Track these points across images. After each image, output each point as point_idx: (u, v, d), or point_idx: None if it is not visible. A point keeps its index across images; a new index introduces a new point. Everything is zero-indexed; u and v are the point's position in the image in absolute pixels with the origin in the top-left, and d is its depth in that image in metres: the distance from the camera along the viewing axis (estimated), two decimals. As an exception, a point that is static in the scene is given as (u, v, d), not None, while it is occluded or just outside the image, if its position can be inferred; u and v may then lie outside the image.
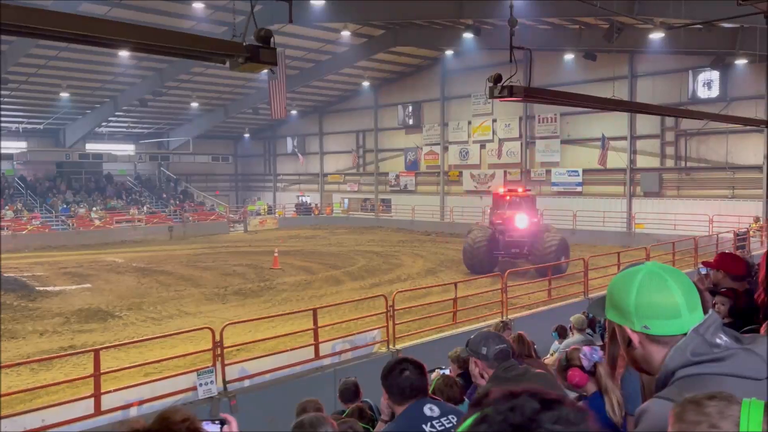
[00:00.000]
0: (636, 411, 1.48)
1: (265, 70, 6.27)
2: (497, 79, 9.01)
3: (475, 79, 33.88)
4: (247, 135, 49.41)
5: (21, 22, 5.60)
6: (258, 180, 51.53)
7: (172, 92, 36.59)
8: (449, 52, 35.42)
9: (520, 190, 25.74)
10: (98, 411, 6.86)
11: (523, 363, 3.48)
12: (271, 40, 5.46)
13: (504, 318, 11.49)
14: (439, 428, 2.61)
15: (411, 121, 40.45)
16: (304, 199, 47.42)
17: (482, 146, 37.54)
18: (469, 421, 0.93)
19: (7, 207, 35.47)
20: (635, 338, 1.46)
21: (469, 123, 37.88)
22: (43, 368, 11.55)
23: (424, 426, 2.59)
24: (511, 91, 8.92)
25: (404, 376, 2.71)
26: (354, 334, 10.07)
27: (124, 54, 28.75)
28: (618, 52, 29.14)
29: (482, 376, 3.14)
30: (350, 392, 5.28)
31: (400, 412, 2.69)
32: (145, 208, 40.67)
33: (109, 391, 7.15)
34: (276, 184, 50.26)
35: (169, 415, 1.36)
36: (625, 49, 28.80)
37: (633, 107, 22.35)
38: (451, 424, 2.65)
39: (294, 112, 43.23)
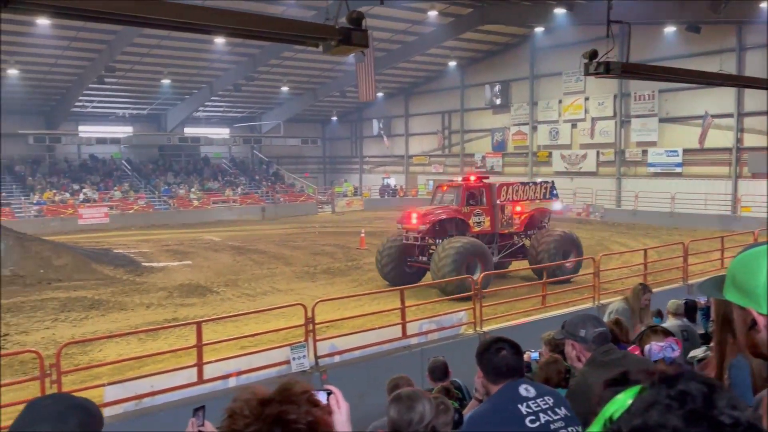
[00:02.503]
0: (754, 400, 1.42)
1: (354, 53, 6.36)
2: (593, 55, 8.67)
3: (567, 56, 32.71)
4: (334, 118, 50.22)
5: (129, 12, 5.95)
6: (345, 162, 52.35)
7: (264, 77, 37.72)
8: (539, 29, 34.33)
9: (472, 178, 18.63)
10: (200, 379, 7.29)
11: (623, 347, 3.39)
12: (363, 22, 5.52)
13: (596, 303, 11.17)
14: (535, 409, 2.60)
15: (498, 101, 39.68)
16: (389, 181, 47.75)
17: (573, 125, 36.30)
18: (622, 405, 0.84)
19: (115, 188, 37.97)
20: (762, 321, 1.38)
21: (560, 102, 36.69)
22: (149, 338, 12.36)
23: (519, 406, 2.59)
24: (607, 68, 8.57)
25: (501, 355, 2.71)
26: (440, 315, 10.12)
27: (219, 41, 29.89)
28: (725, 23, 27.23)
29: (579, 359, 3.09)
30: (440, 371, 5.34)
31: (494, 391, 2.70)
32: (239, 189, 42.33)
33: (210, 362, 7.58)
34: (362, 166, 50.88)
35: (290, 386, 1.38)
36: (733, 20, 26.86)
37: (741, 82, 20.85)
38: (547, 405, 2.63)
39: (380, 94, 43.49)
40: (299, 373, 7.85)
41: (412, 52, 36.52)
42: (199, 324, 7.72)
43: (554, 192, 18.75)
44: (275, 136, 46.23)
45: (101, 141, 40.15)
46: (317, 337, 8.33)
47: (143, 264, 21.64)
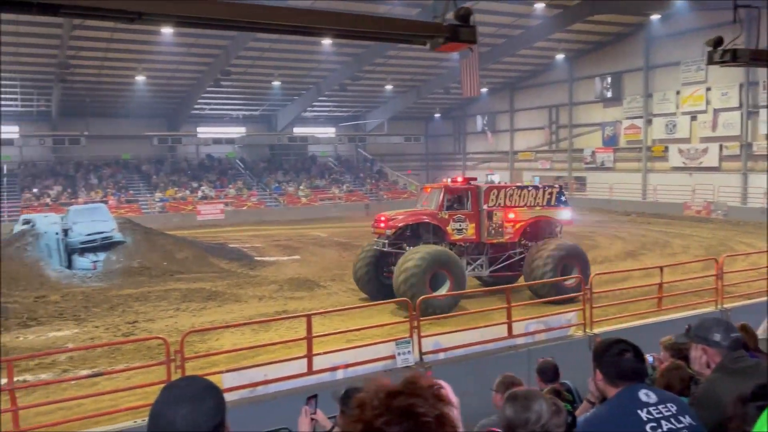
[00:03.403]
0: None
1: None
2: (717, 42, 8.09)
3: (686, 44, 30.79)
4: (437, 115, 50.16)
5: (246, 18, 6.26)
6: (448, 159, 52.15)
7: (369, 76, 38.33)
8: (655, 17, 32.46)
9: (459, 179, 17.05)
10: (310, 370, 7.55)
11: (755, 355, 3.15)
12: (471, 18, 5.48)
13: (720, 307, 10.45)
14: (657, 415, 2.47)
15: (609, 94, 37.95)
16: (493, 177, 47.03)
17: (693, 118, 34.04)
18: None
19: (230, 186, 40.07)
20: None
21: (678, 93, 34.53)
22: (262, 329, 12.95)
23: (639, 411, 2.48)
24: (734, 56, 7.96)
25: (625, 358, 2.61)
26: (548, 315, 9.86)
27: (326, 43, 30.72)
28: None
29: (708, 366, 2.90)
30: (550, 372, 5.22)
31: (612, 394, 2.60)
32: (344, 186, 43.34)
33: (319, 353, 7.83)
34: (465, 163, 50.47)
35: (416, 379, 1.38)
36: None
37: None
38: (670, 413, 2.49)
39: (484, 89, 42.89)
40: (404, 368, 7.94)
41: (518, 45, 35.73)
42: (309, 317, 7.99)
43: (562, 198, 16.11)
44: (379, 134, 46.91)
45: (217, 141, 42.50)
46: (422, 334, 8.37)
47: (256, 258, 22.69)
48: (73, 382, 9.33)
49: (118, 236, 20.51)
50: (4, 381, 8.96)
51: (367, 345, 8.70)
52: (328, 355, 7.98)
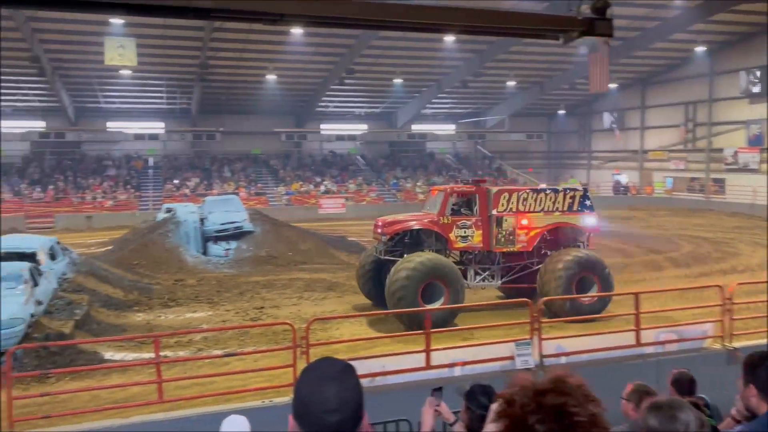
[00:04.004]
0: None
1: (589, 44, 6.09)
2: None
3: None
4: (562, 111, 48.47)
5: (374, 17, 6.39)
6: (571, 157, 50.29)
7: (491, 72, 37.82)
8: (814, 3, 29.30)
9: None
10: (428, 365, 7.62)
11: None
12: (607, 11, 5.25)
13: None
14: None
15: (756, 89, 34.78)
16: (619, 177, 44.76)
17: None
18: None
19: (350, 181, 41.19)
20: None
21: (839, 87, 31.01)
22: (379, 321, 13.23)
23: (798, 431, 2.28)
24: None
25: None
26: (681, 325, 9.26)
27: (448, 39, 30.70)
28: None
29: None
30: (687, 384, 4.90)
31: (765, 411, 2.41)
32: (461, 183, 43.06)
33: (438, 349, 7.88)
34: (590, 162, 48.42)
35: (565, 378, 1.35)
36: None
37: None
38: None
39: (613, 85, 40.88)
40: (523, 370, 7.79)
41: (653, 38, 33.68)
42: (428, 312, 8.05)
43: (586, 203, 14.29)
44: (499, 131, 46.16)
45: (340, 138, 43.82)
46: (543, 336, 8.17)
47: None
48: (207, 360, 10.04)
49: (248, 226, 21.78)
50: (151, 355, 9.82)
51: (485, 344, 8.63)
52: (445, 352, 8.01)
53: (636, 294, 9.33)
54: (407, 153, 46.70)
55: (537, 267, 13.79)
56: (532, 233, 13.90)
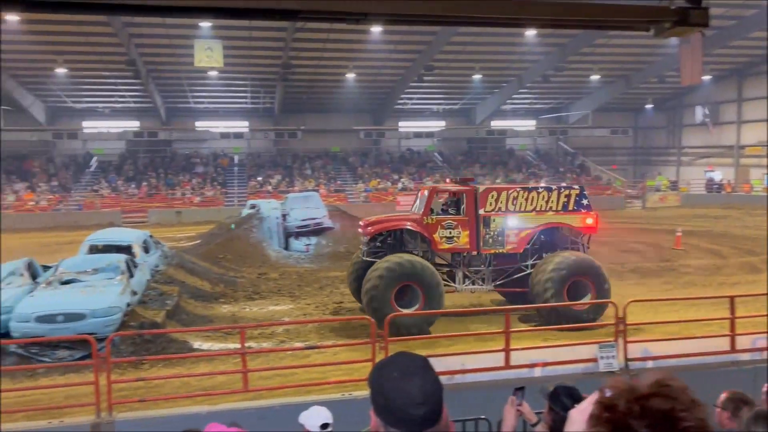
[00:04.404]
0: None
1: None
2: None
3: None
4: (649, 105, 46.42)
5: (457, 12, 6.36)
6: (659, 153, 48.09)
7: (574, 66, 36.73)
8: None
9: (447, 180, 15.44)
10: (507, 365, 7.53)
11: None
12: (703, -1, 5.01)
13: None
14: None
15: None
16: (713, 174, 42.39)
17: None
18: None
19: (428, 178, 41.13)
20: None
21: None
22: (457, 321, 13.16)
23: None
24: None
25: None
26: (781, 332, 8.67)
27: (529, 33, 30.06)
28: None
29: None
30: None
31: None
32: (542, 181, 42.14)
33: (517, 349, 7.77)
34: (680, 158, 46.14)
35: (668, 381, 1.31)
36: None
37: None
38: None
39: (706, 77, 38.74)
40: (607, 373, 7.55)
41: (751, 27, 31.65)
42: (507, 312, 7.95)
43: (583, 202, 13.36)
44: (582, 126, 44.77)
45: (417, 135, 43.86)
46: (627, 339, 7.89)
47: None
48: (289, 352, 10.34)
49: (328, 222, 22.22)
50: (235, 346, 10.21)
51: (567, 345, 8.43)
52: (525, 352, 7.89)
53: (731, 298, 8.84)
54: (486, 149, 46.13)
55: (532, 270, 13.12)
56: (522, 234, 13.13)
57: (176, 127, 41.65)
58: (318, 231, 21.96)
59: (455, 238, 12.99)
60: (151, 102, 38.00)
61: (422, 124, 44.64)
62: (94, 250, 14.59)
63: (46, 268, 13.35)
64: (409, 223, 13.15)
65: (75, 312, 10.49)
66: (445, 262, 13.66)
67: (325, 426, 3.80)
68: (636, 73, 39.36)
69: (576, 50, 34.26)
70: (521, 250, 13.18)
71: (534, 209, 13.14)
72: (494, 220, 13.05)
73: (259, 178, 39.83)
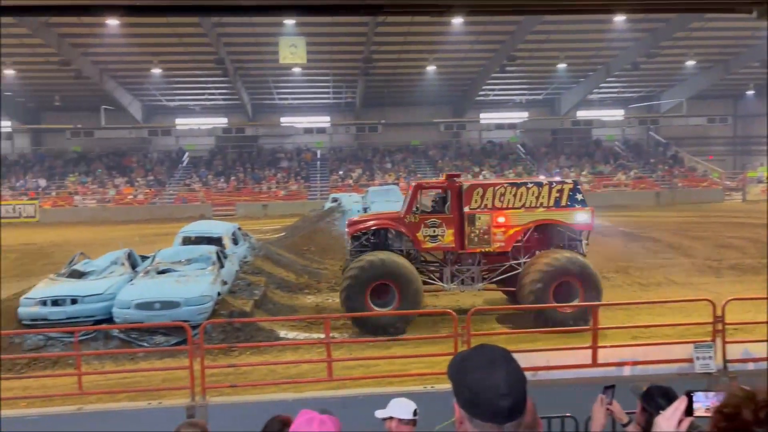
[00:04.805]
0: None
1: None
2: None
3: None
4: (750, 92, 43.52)
5: (538, 0, 6.20)
6: (762, 143, 44.97)
7: (666, 52, 34.96)
8: None
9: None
10: (594, 362, 7.30)
11: None
12: (816, -26, 4.63)
13: None
14: None
15: None
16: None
17: None
18: None
19: (510, 170, 40.43)
20: None
21: None
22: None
23: None
24: None
25: None
26: None
27: (618, 19, 28.88)
28: None
29: None
30: None
31: None
32: (632, 173, 40.47)
33: (606, 346, 7.52)
34: (786, 148, 43.01)
35: None
36: None
37: None
38: None
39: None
40: (704, 374, 7.18)
41: None
42: (595, 308, 7.72)
43: (577, 197, 12.52)
44: (675, 115, 42.55)
45: (499, 127, 43.17)
46: (726, 339, 7.46)
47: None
48: (371, 343, 10.48)
49: (408, 215, 22.25)
50: (319, 336, 10.47)
51: (659, 344, 8.07)
52: (614, 349, 7.62)
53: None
54: (571, 141, 44.78)
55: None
56: (510, 232, 12.46)
57: (262, 123, 43.00)
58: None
59: (439, 237, 12.48)
60: (239, 99, 39.40)
61: (504, 115, 43.90)
62: (187, 241, 15.32)
63: (144, 258, 14.16)
64: (390, 222, 12.79)
65: (170, 300, 11.08)
66: (435, 260, 13.30)
67: (415, 413, 3.86)
68: (735, 57, 36.99)
69: (669, 35, 32.57)
70: (509, 249, 12.58)
71: (523, 205, 12.49)
72: (479, 218, 12.44)
73: (341, 172, 40.48)
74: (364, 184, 35.51)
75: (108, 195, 37.91)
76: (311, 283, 16.05)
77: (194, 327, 8.70)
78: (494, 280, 12.72)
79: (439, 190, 12.98)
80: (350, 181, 38.64)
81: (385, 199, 22.98)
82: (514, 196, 12.43)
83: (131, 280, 12.30)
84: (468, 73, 38.50)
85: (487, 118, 43.84)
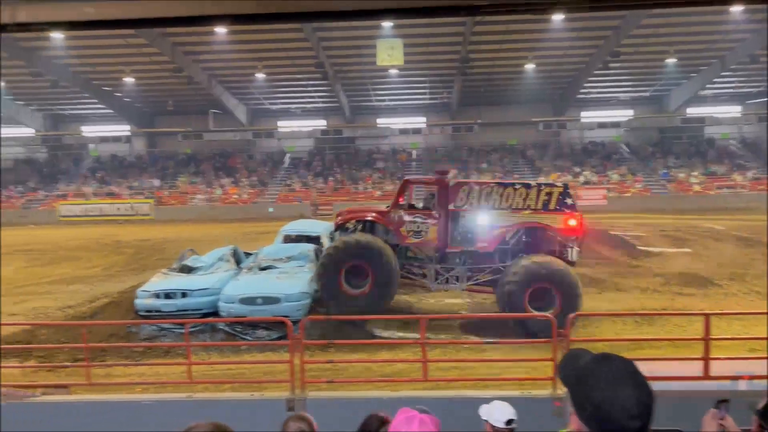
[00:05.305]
0: None
1: None
2: None
3: None
4: None
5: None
6: None
7: (790, 42, 32.27)
8: None
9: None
10: (706, 375, 6.87)
11: None
12: None
13: None
14: None
15: None
16: None
17: None
18: None
19: (613, 171, 38.82)
20: None
21: None
22: (645, 322, 12.27)
23: None
24: None
25: None
26: None
27: (735, 9, 27.01)
28: None
29: None
30: None
31: None
32: (749, 173, 37.68)
33: (720, 358, 7.06)
34: None
35: None
36: None
37: None
38: None
39: None
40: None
41: None
42: (707, 316, 7.26)
43: (566, 201, 11.97)
44: (800, 111, 39.23)
45: (602, 125, 41.55)
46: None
47: (638, 247, 21.56)
48: (466, 345, 10.40)
49: (504, 217, 21.90)
50: (414, 336, 10.52)
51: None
52: (728, 362, 7.13)
53: None
54: (680, 139, 42.32)
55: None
56: (495, 232, 12.32)
57: (359, 124, 43.79)
58: (494, 225, 21.77)
59: (423, 233, 12.44)
60: (337, 101, 40.33)
61: (607, 113, 42.22)
62: (287, 239, 15.85)
63: (247, 254, 14.80)
64: (371, 215, 12.94)
65: (271, 296, 11.52)
66: (422, 256, 13.05)
67: (509, 422, 3.78)
68: None
69: (793, 24, 30.07)
70: (492, 249, 12.37)
71: (510, 206, 12.15)
72: (463, 216, 12.42)
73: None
74: (460, 185, 35.31)
75: (215, 194, 39.98)
76: (407, 283, 16.14)
77: (294, 322, 9.01)
78: (480, 282, 12.57)
79: (430, 186, 12.79)
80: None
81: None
82: (501, 196, 12.16)
83: (236, 275, 12.89)
84: (568, 70, 37.34)
85: (588, 116, 42.32)
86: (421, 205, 12.94)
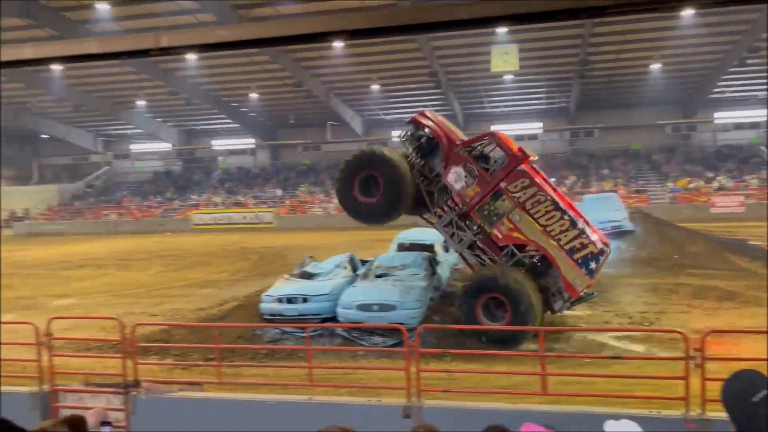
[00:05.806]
0: None
1: None
2: None
3: None
4: None
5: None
6: None
7: None
8: None
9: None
10: None
11: None
12: None
13: None
14: None
15: None
16: None
17: None
18: None
19: (752, 176, 35.78)
20: None
21: None
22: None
23: None
24: None
25: None
26: None
27: None
28: None
29: None
30: None
31: None
32: None
33: None
34: None
35: None
36: None
37: None
38: None
39: None
40: None
41: None
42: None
43: (590, 266, 11.35)
44: None
45: (738, 126, 38.47)
46: None
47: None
48: (588, 360, 9.97)
49: (628, 225, 20.88)
50: (534, 347, 10.24)
51: None
52: None
53: None
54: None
55: None
56: (514, 234, 11.55)
57: (473, 131, 43.41)
58: (617, 234, 20.76)
59: (466, 182, 11.79)
60: (450, 109, 40.30)
61: (744, 114, 38.98)
62: (402, 247, 16.00)
63: (363, 261, 15.13)
64: (446, 134, 12.57)
65: (387, 303, 11.68)
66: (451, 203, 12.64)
67: (638, 441, 3.57)
68: None
69: None
70: (502, 244, 11.70)
71: (543, 227, 11.23)
72: (504, 200, 11.43)
73: (553, 180, 39.17)
74: (579, 192, 34.00)
75: (332, 203, 41.27)
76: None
77: (410, 330, 9.07)
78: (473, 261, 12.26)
79: (507, 151, 11.77)
80: (563, 189, 37.28)
81: (603, 208, 21.80)
82: (545, 213, 11.18)
83: (353, 282, 13.20)
84: (700, 68, 34.94)
85: (723, 117, 39.31)
86: (487, 162, 12.16)
